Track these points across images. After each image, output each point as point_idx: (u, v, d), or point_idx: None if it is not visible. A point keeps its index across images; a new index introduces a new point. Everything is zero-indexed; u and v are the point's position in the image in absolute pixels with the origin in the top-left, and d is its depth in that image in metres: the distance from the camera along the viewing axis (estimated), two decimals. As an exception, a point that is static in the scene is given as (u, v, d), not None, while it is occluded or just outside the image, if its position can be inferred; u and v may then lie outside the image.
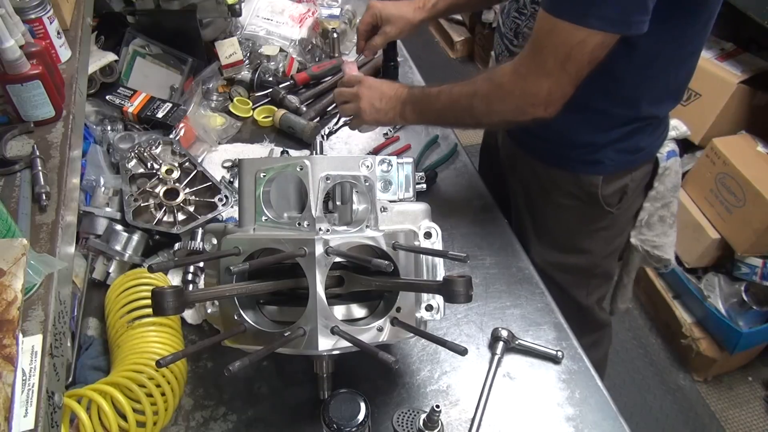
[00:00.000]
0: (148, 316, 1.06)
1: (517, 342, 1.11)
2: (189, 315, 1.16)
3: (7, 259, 0.71)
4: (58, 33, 1.12)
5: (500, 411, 1.04)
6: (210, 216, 1.25)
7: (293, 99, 1.63)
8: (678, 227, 1.47)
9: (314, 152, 1.26)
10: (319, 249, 0.88)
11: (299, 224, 0.95)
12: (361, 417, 0.89)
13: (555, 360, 1.10)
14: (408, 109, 1.22)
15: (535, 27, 0.98)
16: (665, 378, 2.32)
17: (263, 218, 0.97)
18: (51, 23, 1.09)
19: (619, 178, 1.29)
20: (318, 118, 1.64)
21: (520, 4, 1.18)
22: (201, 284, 1.19)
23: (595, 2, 0.89)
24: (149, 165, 1.32)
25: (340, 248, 0.89)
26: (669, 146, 1.33)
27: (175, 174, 1.31)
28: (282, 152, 1.49)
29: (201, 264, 1.19)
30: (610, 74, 1.09)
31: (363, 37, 1.46)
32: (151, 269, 0.82)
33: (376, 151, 1.55)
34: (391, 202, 1.01)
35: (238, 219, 1.01)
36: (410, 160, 1.04)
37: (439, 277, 1.00)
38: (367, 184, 0.99)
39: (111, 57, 1.50)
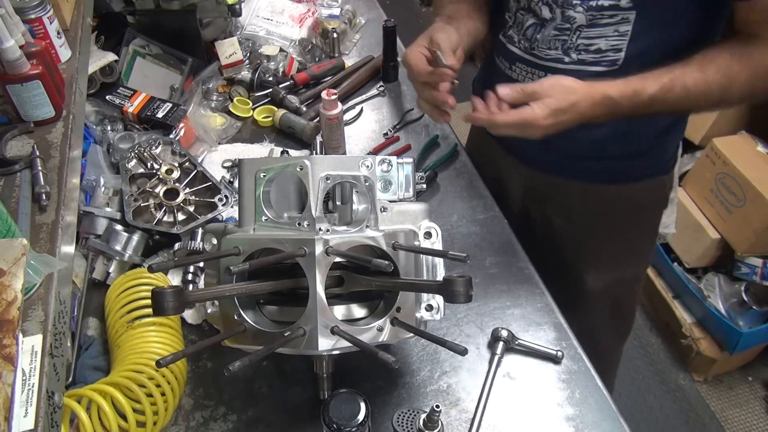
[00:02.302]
0: (148, 316, 1.06)
1: (517, 342, 1.11)
2: (189, 315, 1.16)
3: (7, 259, 0.71)
4: (58, 33, 1.12)
5: (500, 411, 1.04)
6: (210, 216, 1.25)
7: (293, 99, 1.63)
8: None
9: (314, 152, 1.26)
10: (319, 249, 0.88)
11: (299, 224, 0.95)
12: (361, 417, 0.89)
13: (555, 360, 1.10)
14: (608, 114, 1.04)
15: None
16: (665, 378, 2.32)
17: (263, 218, 0.97)
18: (51, 23, 1.09)
19: (672, 169, 1.30)
20: (318, 118, 1.64)
21: (557, 21, 1.07)
22: (201, 284, 1.19)
23: None
24: (149, 165, 1.32)
25: (340, 248, 0.89)
26: None
27: (175, 174, 1.31)
28: (282, 152, 1.49)
29: (201, 264, 1.19)
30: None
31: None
32: (151, 269, 0.82)
33: (376, 151, 1.55)
34: (391, 202, 1.01)
35: (238, 219, 1.01)
36: (410, 160, 1.04)
37: (439, 277, 1.00)
38: (367, 184, 0.99)
39: (111, 57, 1.50)
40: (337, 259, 0.91)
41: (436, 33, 1.07)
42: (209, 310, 1.03)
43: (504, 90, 1.01)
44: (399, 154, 1.54)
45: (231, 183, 1.36)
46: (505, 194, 1.43)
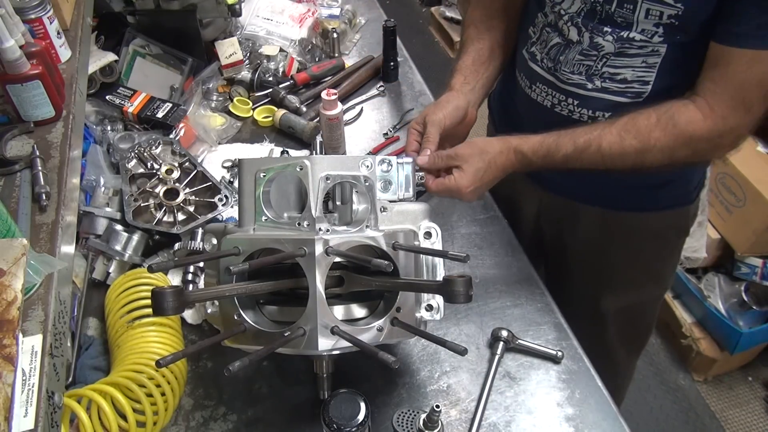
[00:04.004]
0: (148, 316, 1.06)
1: (517, 342, 1.11)
2: (189, 315, 1.16)
3: (7, 259, 0.71)
4: (58, 33, 1.12)
5: (500, 411, 1.04)
6: (210, 216, 1.25)
7: (293, 99, 1.63)
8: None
9: (314, 152, 1.26)
10: (319, 249, 0.88)
11: (299, 224, 0.95)
12: (361, 417, 0.89)
13: (555, 360, 1.10)
14: (524, 167, 1.09)
15: (727, 65, 0.94)
16: (665, 378, 2.32)
17: (263, 218, 0.97)
18: (51, 23, 1.09)
19: (698, 198, 1.27)
20: (318, 118, 1.64)
21: (583, 46, 1.06)
22: (201, 284, 1.19)
23: None
24: (149, 165, 1.32)
25: (340, 248, 0.89)
26: None
27: (175, 174, 1.31)
28: (282, 152, 1.49)
29: (201, 264, 1.19)
30: None
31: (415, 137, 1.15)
32: (151, 269, 0.82)
33: (376, 151, 1.55)
34: (391, 202, 1.01)
35: (238, 219, 1.01)
36: (410, 160, 1.04)
37: (439, 277, 1.00)
38: (367, 184, 0.99)
39: (111, 57, 1.50)
40: (337, 259, 0.91)
41: (432, 114, 1.11)
42: (209, 310, 1.03)
43: (422, 159, 1.07)
44: (399, 154, 1.53)
45: (231, 183, 1.36)
46: (518, 214, 1.41)
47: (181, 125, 1.48)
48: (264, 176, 0.98)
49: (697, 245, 1.40)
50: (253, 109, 1.66)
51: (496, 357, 1.09)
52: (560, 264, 1.41)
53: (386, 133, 1.60)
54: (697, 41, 0.97)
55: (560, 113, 1.14)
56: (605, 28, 1.02)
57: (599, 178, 1.10)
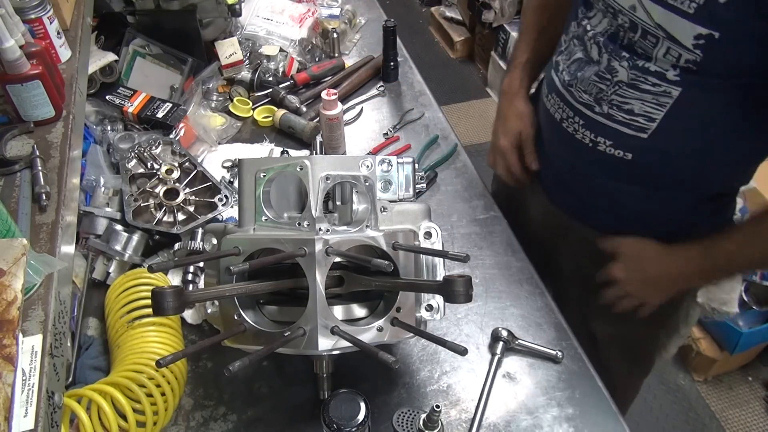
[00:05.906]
0: (148, 316, 1.06)
1: (517, 342, 1.11)
2: (189, 315, 1.16)
3: (7, 259, 0.71)
4: (58, 33, 1.12)
5: (500, 411, 1.04)
6: (210, 216, 1.25)
7: (293, 99, 1.63)
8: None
9: (314, 152, 1.26)
10: (319, 249, 0.88)
11: (299, 224, 0.95)
12: (361, 417, 0.89)
13: (555, 360, 1.10)
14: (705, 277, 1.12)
15: None
16: (665, 378, 2.32)
17: (263, 218, 0.97)
18: (51, 23, 1.09)
19: None
20: (318, 118, 1.64)
21: (601, 67, 1.02)
22: (201, 284, 1.19)
23: None
24: (149, 165, 1.32)
25: (340, 248, 0.89)
26: (740, 201, 1.26)
27: (175, 174, 1.31)
28: (282, 152, 1.49)
29: (201, 264, 1.19)
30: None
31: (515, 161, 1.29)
32: (151, 269, 0.82)
33: (376, 151, 1.55)
34: (391, 202, 1.01)
35: (238, 219, 1.01)
36: (410, 160, 1.04)
37: (439, 277, 1.00)
38: (367, 184, 0.99)
39: (111, 57, 1.50)
40: (337, 259, 0.91)
41: (526, 129, 1.24)
42: (209, 310, 1.03)
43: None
44: (399, 154, 1.54)
45: (231, 183, 1.36)
46: (522, 214, 1.38)
47: (181, 125, 1.48)
48: (264, 176, 0.98)
49: (726, 297, 1.27)
50: (253, 109, 1.66)
51: (496, 357, 1.09)
52: (556, 275, 1.37)
53: (386, 133, 1.60)
54: (717, 92, 0.93)
55: (566, 129, 1.11)
56: (624, 53, 0.98)
57: (592, 199, 1.07)
